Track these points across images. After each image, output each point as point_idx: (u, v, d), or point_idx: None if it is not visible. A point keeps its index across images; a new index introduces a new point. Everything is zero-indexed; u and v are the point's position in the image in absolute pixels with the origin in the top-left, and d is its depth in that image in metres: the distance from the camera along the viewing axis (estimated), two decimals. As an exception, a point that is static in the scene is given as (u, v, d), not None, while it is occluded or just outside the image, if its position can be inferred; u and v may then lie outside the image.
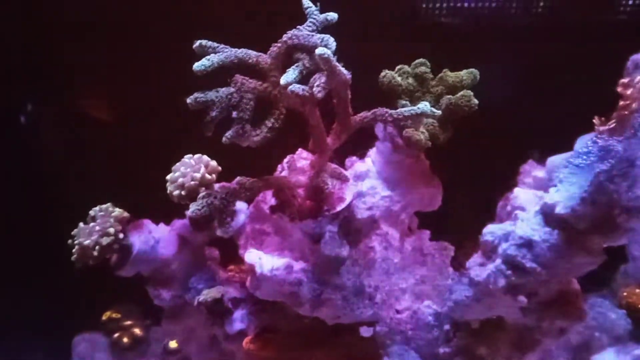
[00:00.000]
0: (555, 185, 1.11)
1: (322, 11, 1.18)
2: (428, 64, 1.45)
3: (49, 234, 1.59)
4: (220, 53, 1.15)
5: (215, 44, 1.16)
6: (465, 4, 1.97)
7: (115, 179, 1.80)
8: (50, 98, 1.89)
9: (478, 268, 1.16)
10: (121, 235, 1.37)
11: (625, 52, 1.16)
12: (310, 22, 1.17)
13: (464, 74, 1.42)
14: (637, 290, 1.92)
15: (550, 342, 1.18)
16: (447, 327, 1.28)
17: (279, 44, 1.16)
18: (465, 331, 1.25)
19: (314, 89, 1.10)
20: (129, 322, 2.04)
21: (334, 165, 1.37)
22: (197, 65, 1.12)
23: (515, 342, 1.21)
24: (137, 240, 1.41)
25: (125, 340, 1.99)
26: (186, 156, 1.43)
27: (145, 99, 1.79)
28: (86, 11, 1.75)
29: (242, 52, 1.16)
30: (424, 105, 1.21)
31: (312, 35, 1.14)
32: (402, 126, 1.34)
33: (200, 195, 1.21)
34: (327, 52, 1.08)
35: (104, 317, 2.09)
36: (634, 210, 0.94)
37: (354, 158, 1.51)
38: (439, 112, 1.22)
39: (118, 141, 1.84)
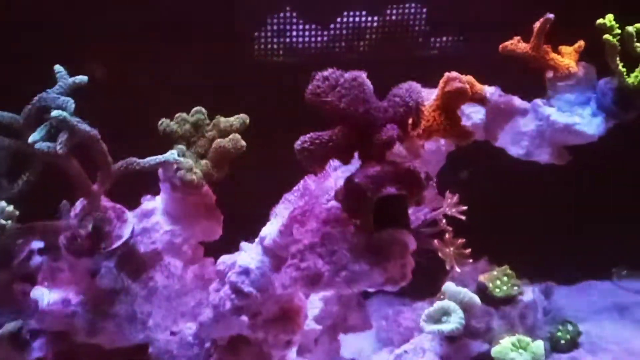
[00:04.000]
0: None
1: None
2: (204, 111, 1.56)
3: None
4: (-23, 116, 1.23)
5: (-24, 108, 1.25)
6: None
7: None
8: None
9: (214, 293, 1.27)
10: None
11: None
12: (59, 85, 1.27)
13: (233, 119, 1.55)
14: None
15: (278, 354, 1.30)
16: (207, 344, 1.39)
17: (30, 106, 1.26)
18: (220, 347, 1.36)
19: (57, 146, 1.20)
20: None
21: (113, 206, 1.47)
22: (-48, 129, 1.20)
23: (257, 354, 1.32)
24: (-62, 283, 1.47)
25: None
26: (-14, 203, 1.50)
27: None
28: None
29: (-4, 114, 1.25)
30: (169, 154, 1.32)
31: (58, 98, 1.24)
32: (177, 168, 1.45)
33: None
34: (62, 114, 1.18)
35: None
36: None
37: (148, 196, 1.61)
38: (180, 159, 1.34)
39: None
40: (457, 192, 2.21)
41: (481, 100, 1.22)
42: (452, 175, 2.19)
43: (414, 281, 1.79)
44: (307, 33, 2.16)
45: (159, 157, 1.32)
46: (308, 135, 0.97)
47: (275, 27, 2.11)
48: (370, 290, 1.35)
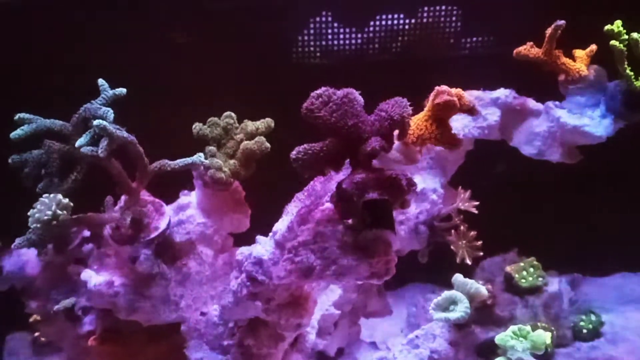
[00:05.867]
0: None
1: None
2: (233, 116, 1.69)
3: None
4: (33, 123, 1.41)
5: (31, 116, 1.43)
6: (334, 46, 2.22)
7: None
8: None
9: (234, 280, 1.41)
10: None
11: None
12: (101, 97, 1.43)
13: (259, 123, 1.67)
14: (480, 282, 2.16)
15: (291, 335, 1.42)
16: (231, 324, 1.53)
17: (77, 115, 1.43)
18: (242, 327, 1.50)
19: (99, 150, 1.36)
20: (49, 324, 2.29)
21: (152, 200, 1.63)
22: (13, 134, 1.38)
23: (272, 335, 1.45)
24: (7, 263, 1.68)
25: (42, 338, 2.25)
26: (44, 195, 1.68)
27: None
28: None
29: (49, 122, 1.42)
30: (196, 157, 1.47)
31: (100, 108, 1.40)
32: (208, 167, 1.60)
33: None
34: (102, 123, 1.34)
35: (31, 319, 2.35)
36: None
37: (185, 191, 1.77)
38: (206, 161, 1.48)
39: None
40: (491, 186, 2.30)
41: (469, 111, 1.30)
42: (490, 170, 2.27)
43: (446, 271, 1.88)
44: (343, 36, 2.24)
45: (187, 159, 1.46)
46: (302, 146, 1.08)
47: (314, 31, 2.20)
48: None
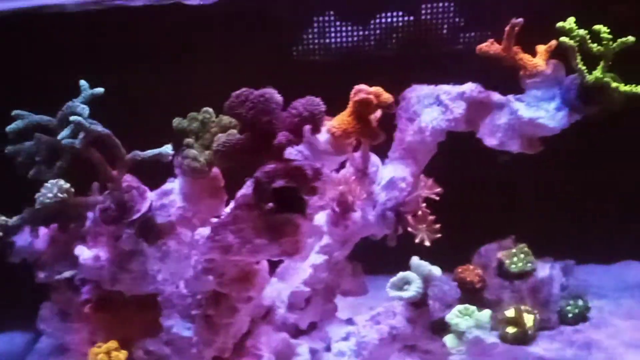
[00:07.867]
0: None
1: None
2: (211, 111, 1.84)
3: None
4: (25, 119, 1.61)
5: (26, 113, 1.63)
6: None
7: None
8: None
9: (194, 257, 1.57)
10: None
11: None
12: (81, 96, 1.62)
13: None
14: (471, 267, 2.26)
15: (244, 307, 1.57)
16: (199, 296, 1.70)
17: (61, 111, 1.62)
18: (207, 299, 1.67)
19: (77, 142, 1.55)
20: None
21: (138, 186, 1.81)
22: (8, 128, 1.59)
23: (230, 307, 1.60)
24: (19, 239, 1.91)
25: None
26: (50, 181, 1.88)
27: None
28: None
29: (39, 118, 1.62)
30: (163, 148, 1.63)
31: (78, 105, 1.59)
32: (184, 156, 1.76)
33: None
34: (78, 119, 1.53)
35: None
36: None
37: (172, 178, 1.94)
38: (171, 152, 1.64)
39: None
40: (495, 174, 2.35)
41: (387, 107, 1.39)
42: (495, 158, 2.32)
43: (442, 255, 1.97)
44: (345, 33, 2.35)
45: (155, 150, 1.62)
46: (222, 139, 1.21)
47: (317, 29, 2.31)
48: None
